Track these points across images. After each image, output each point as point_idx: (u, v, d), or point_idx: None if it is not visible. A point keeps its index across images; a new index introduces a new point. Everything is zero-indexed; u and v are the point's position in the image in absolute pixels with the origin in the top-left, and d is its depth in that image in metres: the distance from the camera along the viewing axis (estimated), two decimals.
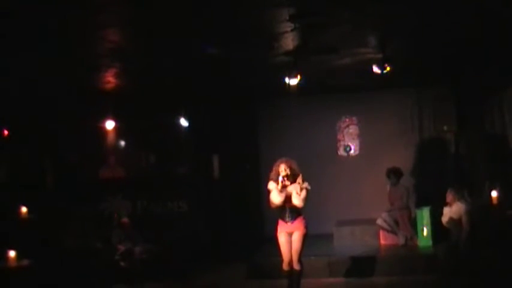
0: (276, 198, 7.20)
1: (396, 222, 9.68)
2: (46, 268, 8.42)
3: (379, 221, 9.79)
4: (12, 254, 8.23)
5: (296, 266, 7.27)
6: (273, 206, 7.30)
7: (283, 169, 7.19)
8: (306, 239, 7.26)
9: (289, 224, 7.25)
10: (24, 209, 9.36)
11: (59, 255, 8.89)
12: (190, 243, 9.88)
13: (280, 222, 7.33)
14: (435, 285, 8.02)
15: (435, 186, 10.70)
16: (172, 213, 10.25)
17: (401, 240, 9.57)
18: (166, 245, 9.44)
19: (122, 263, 8.95)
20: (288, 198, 7.20)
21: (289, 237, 7.27)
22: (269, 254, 9.31)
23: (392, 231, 9.69)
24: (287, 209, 7.23)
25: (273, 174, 7.31)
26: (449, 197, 8.22)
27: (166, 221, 10.11)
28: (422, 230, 9.41)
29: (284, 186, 7.19)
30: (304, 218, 7.28)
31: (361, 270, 8.64)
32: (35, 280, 8.11)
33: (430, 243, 9.27)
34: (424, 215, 9.46)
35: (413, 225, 9.63)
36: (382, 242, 9.80)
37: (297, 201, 7.14)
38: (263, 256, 9.44)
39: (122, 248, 9.05)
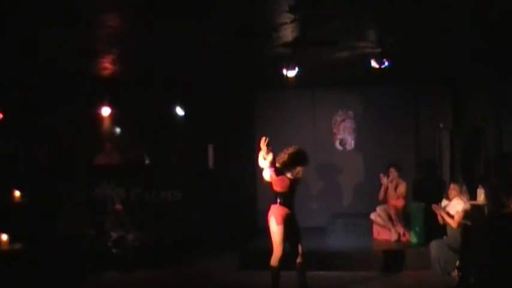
0: (260, 163, 6.97)
1: (390, 218, 9.69)
2: (38, 253, 8.42)
3: (373, 216, 9.81)
4: (4, 237, 8.23)
5: (301, 258, 6.93)
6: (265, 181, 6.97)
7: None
8: None
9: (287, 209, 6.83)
10: (17, 193, 9.34)
11: (52, 240, 8.89)
12: (182, 232, 9.89)
13: (280, 208, 6.87)
14: (426, 281, 8.04)
15: (429, 183, 10.72)
16: (165, 202, 10.24)
17: (394, 236, 9.58)
18: (159, 233, 9.44)
19: (114, 250, 8.96)
20: (283, 183, 6.86)
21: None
22: (261, 244, 9.28)
23: (386, 226, 9.71)
24: (285, 194, 6.88)
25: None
26: (452, 191, 8.17)
27: (160, 209, 10.10)
28: (416, 226, 9.43)
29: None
30: None
31: (354, 264, 8.64)
32: (27, 264, 8.11)
33: (422, 239, 9.28)
34: (418, 211, 9.46)
35: (407, 221, 9.64)
36: (375, 236, 9.82)
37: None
38: (255, 247, 9.45)
39: (114, 235, 9.05)
